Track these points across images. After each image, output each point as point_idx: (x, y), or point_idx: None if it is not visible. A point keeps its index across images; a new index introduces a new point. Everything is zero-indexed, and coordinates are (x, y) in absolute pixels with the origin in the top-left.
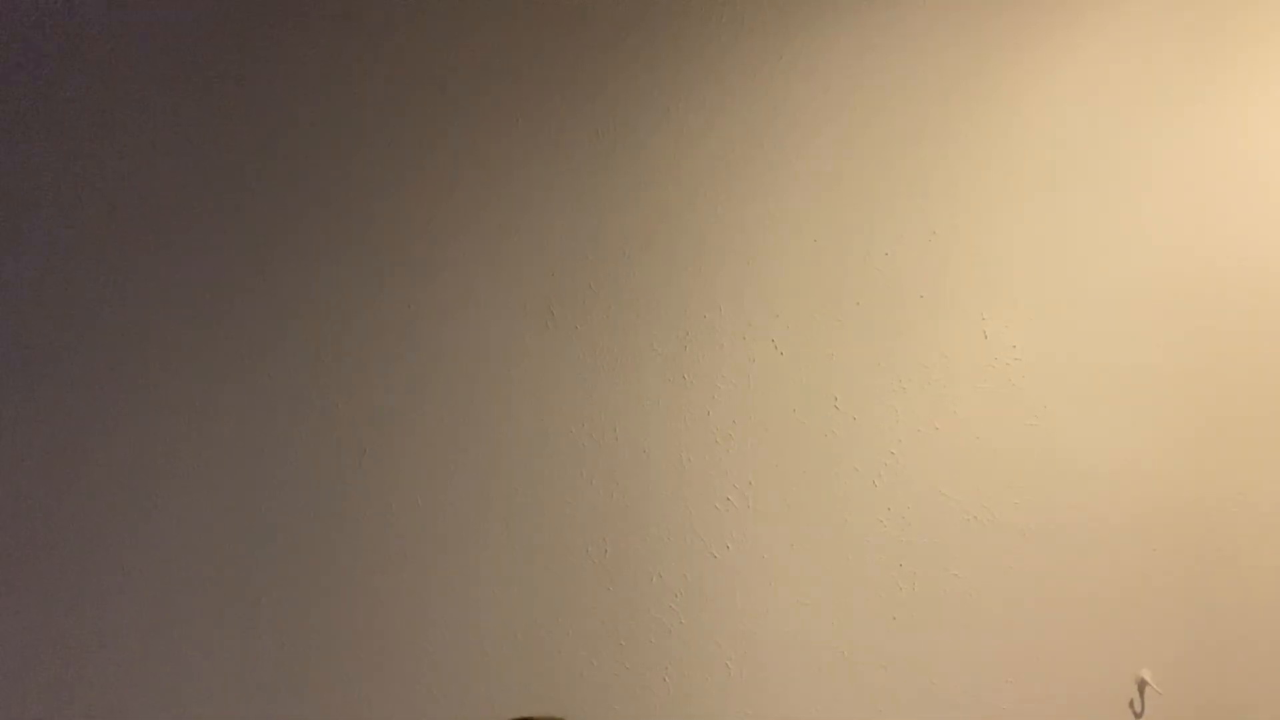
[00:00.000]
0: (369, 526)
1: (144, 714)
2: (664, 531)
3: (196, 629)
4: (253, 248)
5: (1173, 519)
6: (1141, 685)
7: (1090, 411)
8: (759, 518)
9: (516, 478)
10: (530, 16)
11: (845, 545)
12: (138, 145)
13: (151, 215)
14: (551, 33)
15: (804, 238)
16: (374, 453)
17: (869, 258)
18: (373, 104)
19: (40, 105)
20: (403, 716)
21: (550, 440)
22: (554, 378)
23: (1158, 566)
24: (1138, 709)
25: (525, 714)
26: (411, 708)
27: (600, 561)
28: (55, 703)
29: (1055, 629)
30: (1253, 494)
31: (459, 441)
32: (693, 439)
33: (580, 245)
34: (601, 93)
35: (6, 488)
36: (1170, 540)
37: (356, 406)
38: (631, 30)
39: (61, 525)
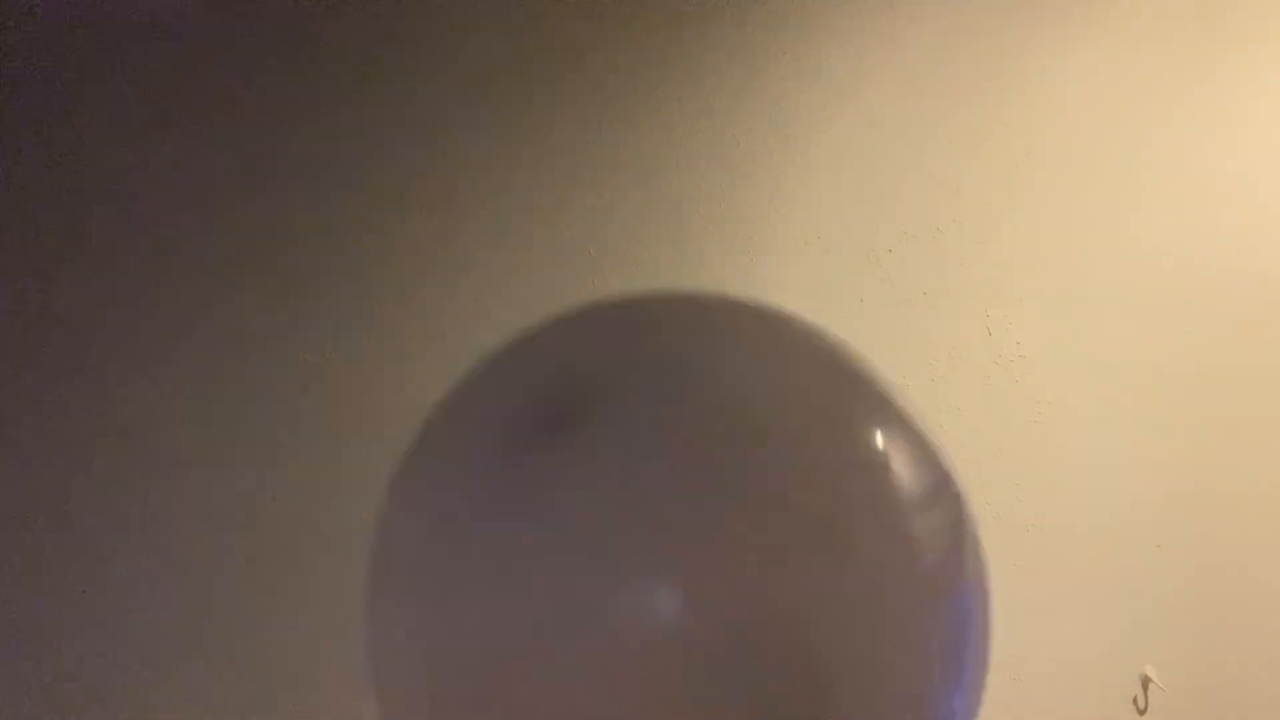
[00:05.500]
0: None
1: (146, 713)
2: None
3: (200, 627)
4: (256, 246)
5: (1177, 515)
6: (1145, 682)
7: (1095, 408)
8: None
9: None
10: (531, 15)
11: None
12: (145, 141)
13: (156, 212)
14: (552, 31)
15: (807, 234)
16: (379, 450)
17: (873, 254)
18: (374, 104)
19: (43, 102)
20: None
21: None
22: None
23: (1162, 563)
24: (1141, 705)
25: None
26: None
27: None
28: (53, 702)
29: (1058, 625)
30: (1258, 491)
31: None
32: None
33: (582, 242)
34: (604, 89)
35: (3, 486)
36: (1175, 537)
37: (361, 404)
38: (634, 27)
39: (59, 519)
